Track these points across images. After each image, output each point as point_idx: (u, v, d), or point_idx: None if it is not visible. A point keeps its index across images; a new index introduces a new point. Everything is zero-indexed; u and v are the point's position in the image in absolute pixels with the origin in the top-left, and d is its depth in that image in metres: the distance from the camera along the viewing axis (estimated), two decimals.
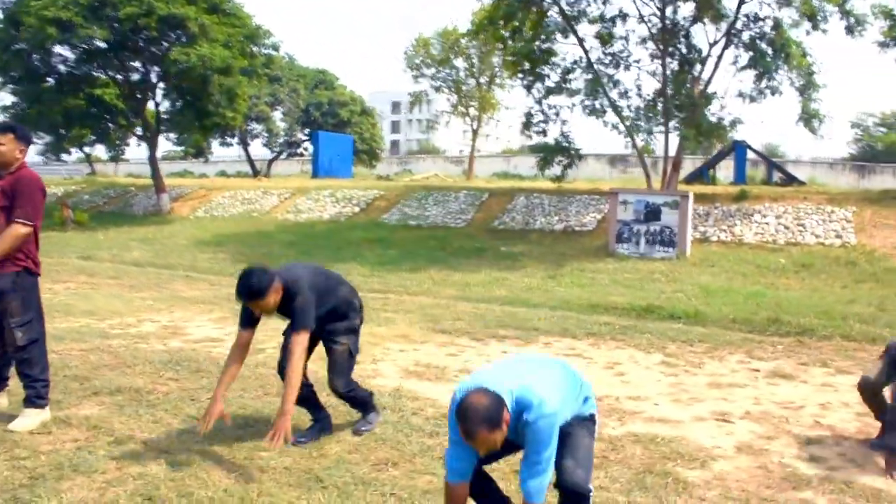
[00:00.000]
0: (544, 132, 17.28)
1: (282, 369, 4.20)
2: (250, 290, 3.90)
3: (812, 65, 14.19)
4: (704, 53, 15.73)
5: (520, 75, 17.47)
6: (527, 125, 17.41)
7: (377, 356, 6.67)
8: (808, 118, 14.61)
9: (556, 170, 17.04)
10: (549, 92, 16.85)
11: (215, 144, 33.63)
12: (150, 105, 22.20)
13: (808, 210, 14.41)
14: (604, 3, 16.31)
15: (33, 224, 4.39)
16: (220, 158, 45.17)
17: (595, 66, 16.40)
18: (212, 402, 4.04)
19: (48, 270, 12.12)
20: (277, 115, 34.79)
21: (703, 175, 22.21)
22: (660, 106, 15.99)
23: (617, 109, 16.19)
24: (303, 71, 34.96)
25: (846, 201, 14.69)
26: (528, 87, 17.48)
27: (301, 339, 4.02)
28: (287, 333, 4.19)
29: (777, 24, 14.02)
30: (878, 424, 4.55)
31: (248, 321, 4.14)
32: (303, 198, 20.68)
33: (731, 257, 12.96)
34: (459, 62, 26.95)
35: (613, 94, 15.92)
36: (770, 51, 14.08)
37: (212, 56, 18.02)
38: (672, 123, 14.57)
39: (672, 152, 16.27)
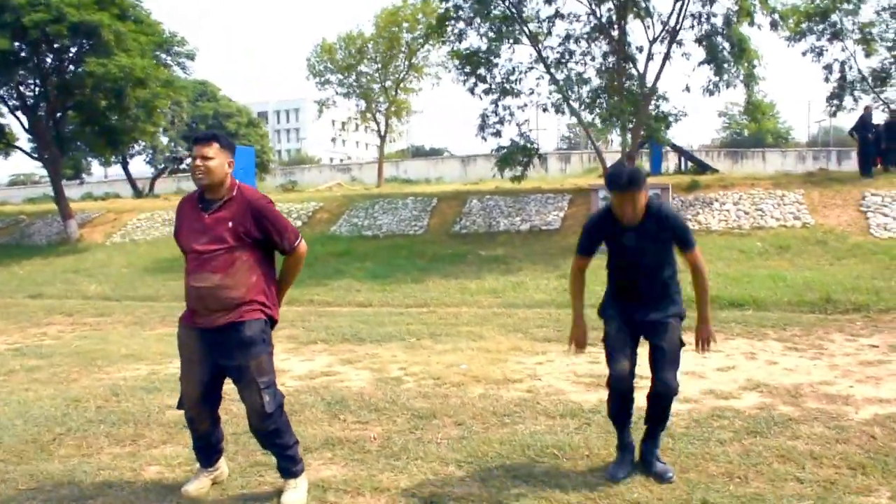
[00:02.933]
0: (499, 133, 17.24)
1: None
2: (632, 176, 3.71)
3: (755, 58, 15.05)
4: (646, 50, 16.28)
5: (462, 77, 17.32)
6: (482, 127, 17.29)
7: (524, 370, 6.31)
8: (754, 108, 15.51)
9: (515, 170, 17.01)
10: (504, 93, 16.82)
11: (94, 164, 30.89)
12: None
13: (761, 195, 15.24)
14: (547, 2, 16.47)
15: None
16: (85, 180, 41.67)
17: (548, 65, 16.55)
18: (577, 328, 4.20)
19: (8, 313, 10.74)
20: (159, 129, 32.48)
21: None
22: (605, 102, 16.34)
23: (574, 107, 16.43)
24: (182, 83, 32.90)
25: (791, 185, 15.69)
26: (472, 90, 17.39)
27: (701, 255, 3.94)
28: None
29: (728, 21, 14.76)
30: None
31: (589, 249, 4.04)
32: None
33: (710, 244, 13.40)
34: (364, 67, 26.38)
35: (582, 91, 16.11)
36: (728, 45, 14.83)
37: (132, 66, 16.48)
38: (623, 118, 14.95)
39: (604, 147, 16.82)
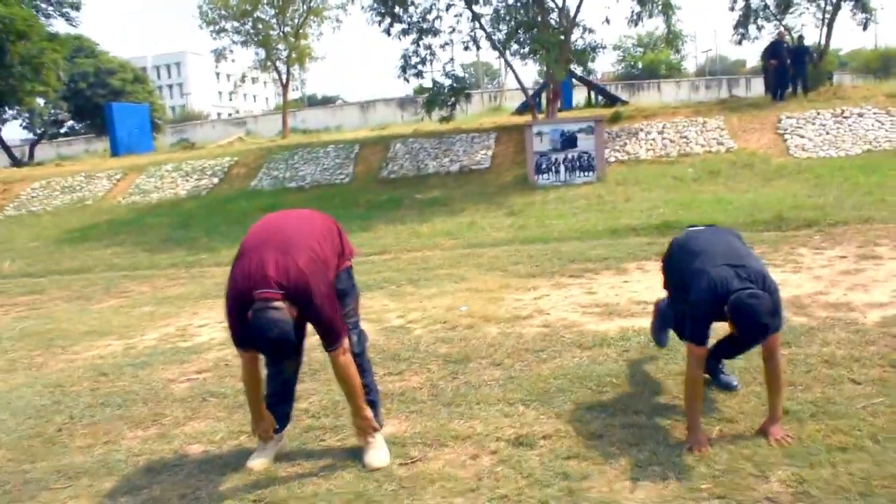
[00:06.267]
0: (420, 73, 16.86)
1: None
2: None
3: None
4: None
5: (377, 18, 16.74)
6: (404, 68, 16.82)
7: (527, 306, 6.23)
8: (673, 38, 15.75)
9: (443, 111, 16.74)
10: (422, 32, 16.38)
11: None
12: None
13: (684, 123, 15.62)
14: None
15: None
16: None
17: (467, 1, 16.19)
18: (701, 432, 3.43)
19: None
20: None
21: (534, 104, 22.98)
22: (526, 36, 16.13)
23: (498, 44, 16.20)
24: (67, 37, 30.20)
25: (710, 112, 16.14)
26: (388, 31, 16.88)
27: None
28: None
29: None
30: None
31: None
32: (142, 176, 18.27)
33: (644, 174, 13.70)
34: (260, 13, 24.96)
35: (504, 26, 15.78)
36: None
37: (11, 16, 14.91)
38: (553, 51, 14.84)
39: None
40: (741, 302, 3.17)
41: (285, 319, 3.01)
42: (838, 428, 3.40)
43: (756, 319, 3.15)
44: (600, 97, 23.95)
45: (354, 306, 3.65)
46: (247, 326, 3.05)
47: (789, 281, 6.44)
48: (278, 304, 3.03)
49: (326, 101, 56.06)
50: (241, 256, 3.24)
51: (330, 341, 3.26)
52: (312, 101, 55.97)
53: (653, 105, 19.69)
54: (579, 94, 26.20)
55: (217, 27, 25.13)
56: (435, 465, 3.42)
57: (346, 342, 3.31)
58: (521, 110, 23.22)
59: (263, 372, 3.57)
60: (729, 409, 3.76)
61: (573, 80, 22.67)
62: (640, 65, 38.70)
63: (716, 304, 3.28)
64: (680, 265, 3.69)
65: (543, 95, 20.43)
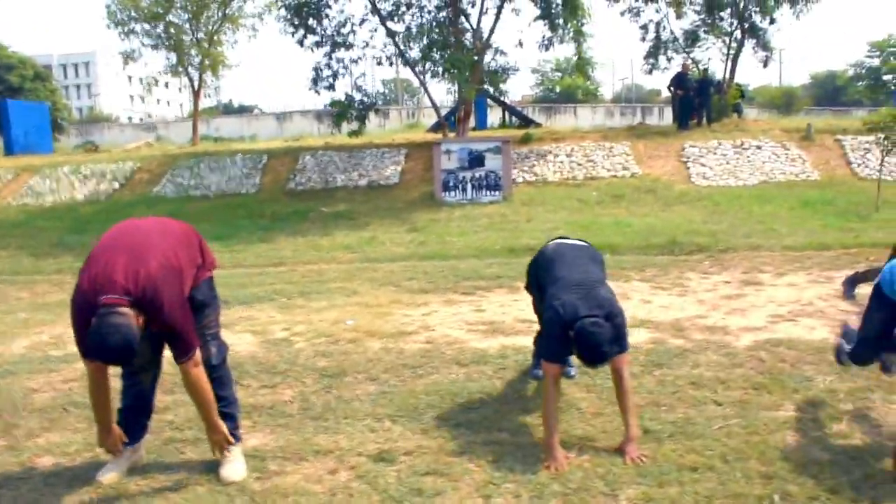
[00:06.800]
0: (332, 87, 16.70)
1: None
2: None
3: (584, 16, 15.58)
4: (479, 5, 16.40)
5: (290, 29, 16.53)
6: (315, 80, 16.62)
7: (413, 322, 6.17)
8: (583, 64, 16.13)
9: (353, 125, 16.60)
10: (336, 45, 16.26)
11: None
12: None
13: (591, 147, 15.98)
14: None
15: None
16: None
17: (382, 17, 16.16)
18: (557, 450, 3.43)
19: None
20: None
21: (447, 123, 23.08)
22: (439, 55, 16.24)
23: (409, 59, 16.21)
24: None
25: (617, 137, 16.58)
26: (301, 42, 16.69)
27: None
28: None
29: None
30: None
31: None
32: (36, 178, 17.39)
33: (550, 195, 13.92)
34: (173, 17, 24.20)
35: (418, 44, 15.80)
36: (560, 2, 15.20)
37: None
38: (463, 71, 14.96)
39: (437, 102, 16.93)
40: (584, 330, 3.31)
41: (128, 325, 2.87)
42: (693, 448, 3.47)
43: (598, 348, 3.31)
44: (515, 118, 24.31)
45: (215, 317, 3.54)
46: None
47: (674, 304, 6.61)
48: (123, 309, 2.90)
49: (243, 110, 55.10)
50: (90, 261, 3.10)
51: (180, 352, 3.13)
52: (229, 110, 54.93)
53: (563, 128, 20.12)
54: (495, 115, 26.56)
55: (126, 28, 24.29)
56: (291, 479, 3.33)
57: (197, 354, 3.18)
58: (436, 128, 23.32)
59: (116, 386, 3.41)
60: (592, 427, 3.79)
61: (489, 100, 22.96)
62: (557, 89, 39.63)
63: (563, 328, 3.40)
64: (542, 280, 3.84)
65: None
